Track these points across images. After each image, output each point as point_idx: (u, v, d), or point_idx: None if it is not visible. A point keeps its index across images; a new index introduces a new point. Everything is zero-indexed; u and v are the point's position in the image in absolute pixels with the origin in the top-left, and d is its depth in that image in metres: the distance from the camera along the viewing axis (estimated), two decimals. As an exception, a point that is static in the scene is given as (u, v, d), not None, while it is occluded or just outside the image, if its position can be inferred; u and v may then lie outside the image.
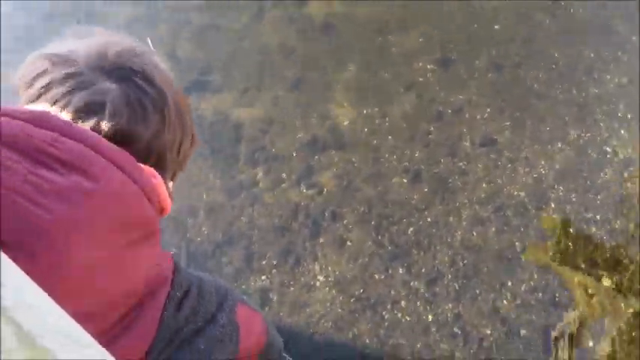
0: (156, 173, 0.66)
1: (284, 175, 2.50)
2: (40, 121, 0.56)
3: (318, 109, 2.69)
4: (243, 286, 2.19)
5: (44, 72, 0.65)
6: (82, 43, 0.69)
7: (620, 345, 1.89)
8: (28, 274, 0.49)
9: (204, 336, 0.73)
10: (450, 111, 2.62)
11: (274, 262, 2.25)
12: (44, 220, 0.52)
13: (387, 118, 2.62)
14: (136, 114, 0.66)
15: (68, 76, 0.65)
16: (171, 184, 0.74)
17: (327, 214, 2.35)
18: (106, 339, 0.57)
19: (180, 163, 0.77)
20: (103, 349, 0.39)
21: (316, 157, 2.54)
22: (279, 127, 2.66)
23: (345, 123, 2.63)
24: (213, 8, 3.17)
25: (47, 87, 0.65)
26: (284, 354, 1.41)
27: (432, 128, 2.57)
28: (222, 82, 2.85)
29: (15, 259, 0.50)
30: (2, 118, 0.56)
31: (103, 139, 0.60)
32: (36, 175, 0.53)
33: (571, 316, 1.98)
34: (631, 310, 1.97)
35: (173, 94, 0.72)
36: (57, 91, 0.64)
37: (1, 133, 0.54)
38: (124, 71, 0.67)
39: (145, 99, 0.67)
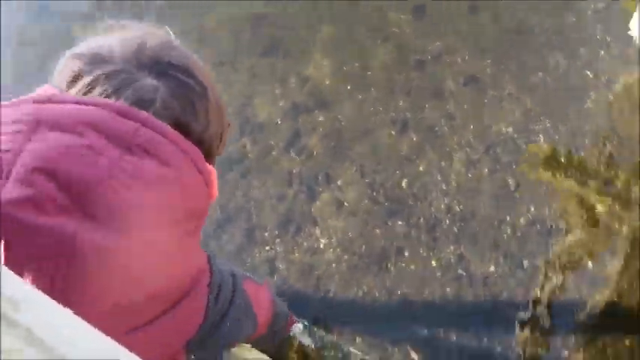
0: (213, 169, 0.68)
1: (272, 142, 2.49)
2: (125, 112, 0.59)
3: (296, 73, 2.65)
4: (249, 259, 2.22)
5: (82, 72, 0.64)
6: (115, 39, 0.68)
7: (625, 262, 1.95)
8: (97, 242, 0.53)
9: (227, 318, 0.76)
10: (429, 57, 2.60)
11: (276, 232, 2.27)
12: (132, 201, 0.55)
13: (367, 72, 2.60)
14: (185, 108, 0.66)
15: (109, 75, 0.63)
16: None
17: (320, 178, 2.36)
18: (154, 324, 0.60)
19: (220, 152, 0.79)
20: (115, 344, 0.39)
21: (301, 120, 2.52)
22: (260, 96, 2.63)
23: (326, 82, 2.61)
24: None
25: (90, 86, 0.63)
26: (296, 319, 1.45)
27: (414, 76, 2.55)
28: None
29: (96, 233, 0.53)
30: (90, 107, 0.58)
31: (178, 133, 0.62)
32: (125, 161, 0.56)
33: (567, 241, 2.03)
34: (625, 228, 2.02)
35: (211, 86, 0.72)
36: (101, 89, 0.63)
37: (93, 122, 0.56)
38: (162, 66, 0.66)
39: (191, 93, 0.67)
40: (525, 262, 2.01)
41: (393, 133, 2.41)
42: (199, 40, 2.84)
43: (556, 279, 1.96)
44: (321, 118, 2.50)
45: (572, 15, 2.62)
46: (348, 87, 2.57)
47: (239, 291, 0.81)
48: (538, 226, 2.08)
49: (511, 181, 2.22)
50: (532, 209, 2.14)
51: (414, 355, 1.89)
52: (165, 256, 0.59)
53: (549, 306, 1.91)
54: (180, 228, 0.60)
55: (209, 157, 0.71)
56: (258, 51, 2.76)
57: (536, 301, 1.93)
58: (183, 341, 0.66)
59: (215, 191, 0.69)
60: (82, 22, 3.01)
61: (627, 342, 1.77)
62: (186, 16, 2.93)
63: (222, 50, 2.79)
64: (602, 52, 2.49)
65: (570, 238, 2.04)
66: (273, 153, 2.46)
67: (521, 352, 1.84)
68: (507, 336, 1.87)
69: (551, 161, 2.22)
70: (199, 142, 0.68)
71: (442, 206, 2.20)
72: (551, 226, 2.08)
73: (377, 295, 2.03)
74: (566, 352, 1.81)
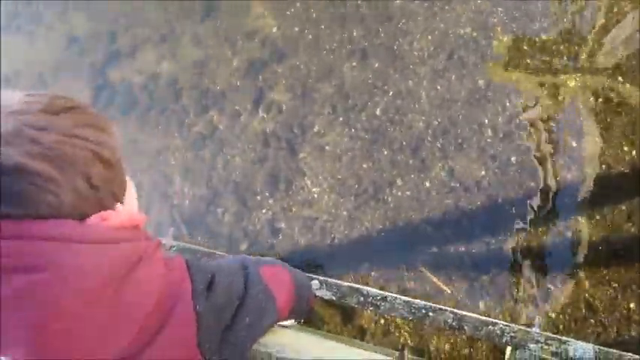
0: (104, 214, 0.64)
1: (238, 107, 2.44)
2: None
3: (241, 30, 2.55)
4: (250, 227, 2.24)
5: None
6: None
7: (606, 132, 2.00)
8: None
9: (245, 310, 0.77)
10: (369, -25, 2.50)
11: (267, 194, 2.27)
12: (20, 334, 0.54)
13: (312, 10, 2.50)
14: (17, 204, 0.58)
15: None
16: (122, 206, 0.69)
17: (296, 130, 2.33)
18: (148, 348, 0.63)
19: (109, 186, 0.68)
20: None
21: (261, 77, 2.46)
22: (212, 63, 2.54)
23: (274, 31, 2.51)
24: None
25: None
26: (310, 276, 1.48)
27: (360, 1, 2.46)
28: (134, 43, 2.66)
29: None
30: None
31: (36, 225, 0.57)
32: None
33: (548, 125, 2.06)
34: (601, 99, 2.05)
35: (36, 148, 0.60)
36: None
37: None
38: None
39: (14, 184, 0.58)
40: (513, 158, 2.05)
41: (354, 64, 2.37)
42: (131, 23, 2.69)
43: (547, 165, 2.01)
44: (280, 70, 2.43)
45: None
46: (297, 29, 2.48)
47: (253, 281, 0.81)
48: (517, 120, 2.10)
49: (481, 82, 2.21)
50: (507, 104, 2.15)
51: (428, 274, 1.97)
52: (103, 325, 0.59)
53: (546, 193, 1.98)
54: (102, 296, 0.59)
55: (106, 207, 0.66)
56: (195, 18, 2.63)
57: (533, 192, 1.99)
58: (189, 343, 0.69)
59: (130, 220, 0.66)
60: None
61: (623, 207, 1.85)
62: (112, 4, 2.75)
63: (158, 25, 2.66)
64: None
65: (550, 123, 2.07)
66: (242, 118, 2.41)
67: (527, 245, 1.92)
68: (512, 232, 1.94)
69: (515, 53, 2.21)
70: (72, 208, 0.62)
71: (421, 125, 2.21)
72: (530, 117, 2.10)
73: (381, 227, 2.08)
74: (569, 233, 1.89)
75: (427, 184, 2.10)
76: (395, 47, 2.35)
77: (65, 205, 0.60)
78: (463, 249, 1.98)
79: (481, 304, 1.93)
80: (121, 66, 2.63)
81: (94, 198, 0.64)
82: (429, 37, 2.33)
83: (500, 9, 2.30)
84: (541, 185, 1.99)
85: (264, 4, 2.56)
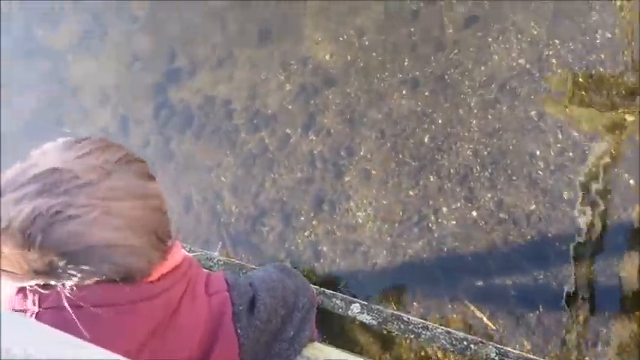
0: (153, 271, 0.68)
1: (288, 130, 2.49)
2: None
3: (295, 55, 2.63)
4: (292, 248, 2.26)
5: None
6: None
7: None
8: None
9: (291, 322, 0.79)
10: (422, 4, 2.53)
11: (312, 215, 2.30)
12: None
13: (364, 37, 2.55)
14: (114, 273, 0.64)
15: None
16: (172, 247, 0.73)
17: (342, 153, 2.36)
18: None
19: (168, 231, 0.70)
20: None
21: (312, 101, 2.51)
22: (265, 86, 2.62)
23: (327, 57, 2.58)
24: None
25: None
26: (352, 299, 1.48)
27: (412, 29, 2.49)
28: (194, 64, 2.79)
29: None
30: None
31: (94, 292, 0.63)
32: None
33: (602, 161, 2.00)
34: (661, 135, 1.97)
35: (120, 222, 0.63)
36: None
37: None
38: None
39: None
40: (565, 193, 1.99)
41: (404, 92, 2.38)
42: (191, 44, 2.82)
43: (600, 203, 1.94)
44: (331, 96, 2.48)
45: None
46: (349, 57, 2.53)
47: (303, 291, 0.84)
48: (570, 153, 2.05)
49: (533, 113, 2.18)
50: (560, 136, 2.10)
51: (473, 308, 1.92)
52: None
53: (599, 231, 1.90)
54: (154, 337, 0.66)
55: (164, 251, 0.68)
56: (250, 41, 2.73)
57: (585, 229, 1.92)
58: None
59: (175, 262, 0.70)
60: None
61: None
62: (173, 24, 2.90)
63: (216, 46, 2.77)
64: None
65: (606, 158, 2.01)
66: (292, 140, 2.46)
67: (578, 282, 1.85)
68: (562, 269, 1.88)
69: (570, 85, 2.16)
70: (158, 260, 0.68)
71: (469, 153, 2.19)
72: (583, 151, 2.05)
73: (425, 256, 2.06)
74: (622, 272, 1.81)
75: (474, 214, 2.06)
76: (446, 77, 2.36)
77: (154, 261, 0.67)
78: (510, 283, 1.92)
79: (526, 343, 1.86)
80: (180, 86, 2.76)
81: (163, 246, 0.69)
82: (482, 68, 2.32)
83: (556, 41, 2.27)
84: (594, 222, 1.92)
85: (318, 31, 2.64)
